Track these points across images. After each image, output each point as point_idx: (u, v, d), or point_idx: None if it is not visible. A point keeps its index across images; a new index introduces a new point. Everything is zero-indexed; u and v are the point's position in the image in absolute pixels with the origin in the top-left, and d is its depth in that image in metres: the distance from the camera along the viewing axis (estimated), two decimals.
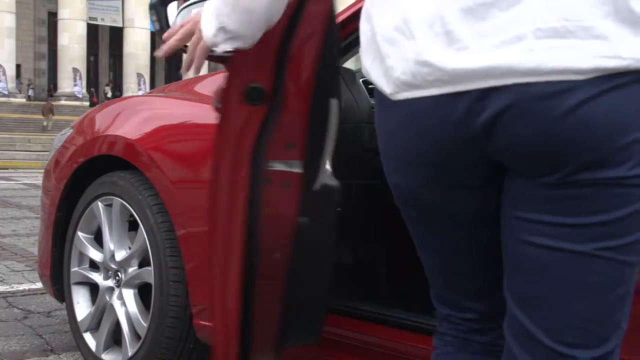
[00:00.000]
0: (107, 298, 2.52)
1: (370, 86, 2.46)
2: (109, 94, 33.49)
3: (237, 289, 1.61)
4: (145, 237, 2.36)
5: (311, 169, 1.66)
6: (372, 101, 2.41)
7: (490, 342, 1.26)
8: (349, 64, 2.57)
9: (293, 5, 1.50)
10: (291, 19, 1.51)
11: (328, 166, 1.79)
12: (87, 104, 31.32)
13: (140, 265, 2.44)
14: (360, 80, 2.45)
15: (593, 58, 0.92)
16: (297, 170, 1.60)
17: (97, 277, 2.58)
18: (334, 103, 1.71)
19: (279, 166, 1.59)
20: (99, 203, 2.56)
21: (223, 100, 1.56)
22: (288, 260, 1.69)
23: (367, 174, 2.26)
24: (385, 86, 1.10)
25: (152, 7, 1.66)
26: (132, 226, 2.50)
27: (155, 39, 36.22)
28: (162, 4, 1.62)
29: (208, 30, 1.37)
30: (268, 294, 1.73)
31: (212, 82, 2.58)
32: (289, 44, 1.53)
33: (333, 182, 1.74)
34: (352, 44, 2.27)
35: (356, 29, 2.22)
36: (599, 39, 0.92)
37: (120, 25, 34.65)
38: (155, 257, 2.32)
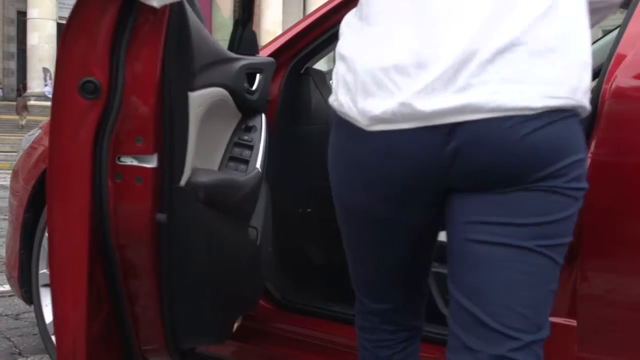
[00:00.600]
0: None
1: None
2: None
3: (84, 285, 1.59)
4: None
5: (171, 164, 1.63)
6: None
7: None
8: (320, 65, 2.58)
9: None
10: (121, 11, 1.51)
11: (209, 165, 1.77)
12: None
13: None
14: (331, 81, 2.45)
15: (542, 98, 1.13)
16: (148, 165, 1.58)
17: None
18: (195, 97, 1.70)
19: (129, 160, 1.58)
20: None
21: (57, 95, 1.54)
22: (154, 258, 1.67)
23: None
24: (360, 118, 1.21)
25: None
26: None
27: None
28: None
29: None
30: (140, 293, 1.71)
31: None
32: (123, 36, 1.52)
33: (201, 179, 1.71)
34: (320, 46, 2.29)
35: (324, 32, 2.25)
36: (547, 84, 1.14)
37: None
38: None
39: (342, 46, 1.30)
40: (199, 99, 1.75)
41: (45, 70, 32.37)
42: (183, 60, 1.65)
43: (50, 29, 32.82)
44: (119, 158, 1.59)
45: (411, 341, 1.52)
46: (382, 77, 1.18)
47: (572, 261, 1.59)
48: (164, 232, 1.65)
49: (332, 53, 2.58)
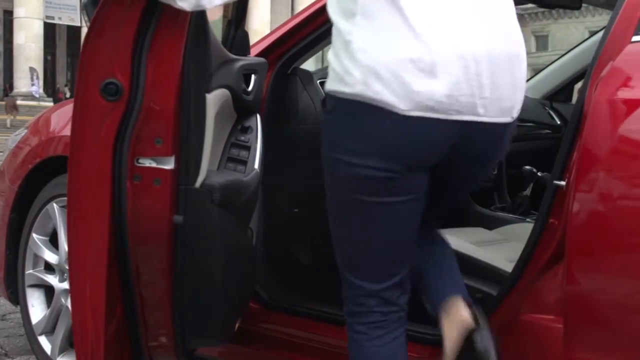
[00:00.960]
0: (63, 301, 2.49)
1: None
2: (68, 95, 33.09)
3: (103, 290, 1.60)
4: None
5: (187, 166, 1.64)
6: None
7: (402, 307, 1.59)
8: (308, 65, 2.58)
9: (145, 1, 1.51)
10: (144, 13, 1.52)
11: (209, 163, 1.76)
12: (45, 103, 30.91)
13: None
14: (318, 81, 2.46)
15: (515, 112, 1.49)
16: (167, 166, 1.59)
17: (52, 280, 2.55)
18: (210, 98, 1.71)
19: (147, 162, 1.59)
20: (54, 204, 2.53)
21: (79, 96, 1.56)
22: (170, 259, 1.68)
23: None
24: (399, 104, 1.37)
25: (84, 7, 1.66)
26: None
27: None
28: (94, 3, 1.62)
29: None
30: (153, 294, 1.72)
31: None
32: (145, 39, 1.53)
33: (215, 180, 1.72)
34: (308, 46, 2.29)
35: (312, 32, 2.25)
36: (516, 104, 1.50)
37: (79, 24, 34.21)
38: None
39: (362, 39, 1.39)
40: (213, 99, 1.76)
41: (32, 69, 32.23)
42: (202, 62, 1.67)
43: (37, 29, 32.67)
44: (137, 160, 1.59)
45: (400, 322, 1.58)
46: (428, 67, 1.37)
47: (558, 261, 1.61)
48: (179, 234, 1.66)
49: (320, 53, 2.59)
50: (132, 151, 1.57)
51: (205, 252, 1.75)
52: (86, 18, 1.65)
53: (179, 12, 1.53)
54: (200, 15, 1.62)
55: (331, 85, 1.46)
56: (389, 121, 1.39)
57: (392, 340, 1.56)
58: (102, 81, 1.52)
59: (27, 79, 32.53)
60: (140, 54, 1.54)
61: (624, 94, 1.54)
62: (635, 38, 1.54)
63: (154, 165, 1.59)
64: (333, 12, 1.48)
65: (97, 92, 1.53)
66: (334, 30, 1.47)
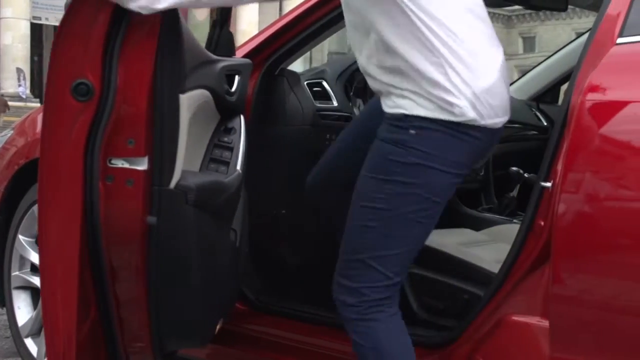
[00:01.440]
0: None
1: (314, 89, 2.47)
2: None
3: (75, 290, 1.59)
4: None
5: (161, 166, 1.63)
6: (317, 104, 2.42)
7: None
8: (295, 67, 2.58)
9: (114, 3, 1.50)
10: (115, 13, 1.51)
11: (191, 166, 1.77)
12: (32, 104, 30.74)
13: None
14: (305, 82, 2.46)
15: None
16: (139, 167, 1.58)
17: (38, 282, 2.54)
18: (185, 99, 1.70)
19: (120, 163, 1.58)
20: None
21: (49, 96, 1.55)
22: (144, 260, 1.67)
23: None
24: (490, 120, 1.63)
25: (66, 6, 1.65)
26: None
27: None
28: None
29: None
30: (128, 295, 1.71)
31: None
32: (117, 39, 1.53)
33: (191, 180, 1.71)
34: (295, 47, 2.29)
35: (299, 33, 2.25)
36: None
37: None
38: None
39: (459, 71, 1.59)
40: (188, 100, 1.75)
41: (18, 70, 32.05)
42: (175, 62, 1.66)
43: (24, 29, 32.52)
44: (110, 160, 1.59)
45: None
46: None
47: (544, 262, 1.61)
48: (153, 235, 1.65)
49: (307, 54, 2.59)
50: (104, 152, 1.56)
51: (181, 252, 1.74)
52: None
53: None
54: (173, 16, 1.62)
55: (432, 114, 1.60)
56: (483, 135, 1.64)
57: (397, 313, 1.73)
58: (73, 81, 1.51)
59: (14, 79, 32.36)
60: (112, 54, 1.53)
61: (609, 95, 1.55)
62: (619, 40, 1.55)
63: (126, 166, 1.58)
64: (402, 42, 1.60)
65: (67, 92, 1.52)
66: (402, 61, 1.60)
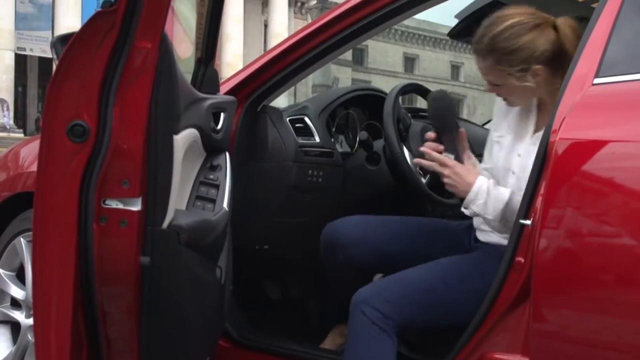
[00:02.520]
0: (30, 337, 2.45)
1: (297, 125, 2.49)
2: None
3: (68, 333, 1.59)
4: None
5: (155, 207, 1.63)
6: (299, 140, 2.44)
7: None
8: (280, 99, 2.59)
9: (112, 42, 1.52)
10: (112, 55, 1.53)
11: (177, 204, 1.77)
12: (15, 135, 30.61)
13: None
14: (287, 119, 2.47)
15: None
16: (133, 208, 1.59)
17: (18, 316, 2.51)
18: (178, 139, 1.72)
19: (114, 204, 1.59)
20: (22, 239, 2.51)
21: (45, 137, 1.55)
22: (136, 300, 1.67)
23: (294, 212, 2.28)
24: None
25: (53, 45, 1.66)
26: None
27: None
28: (63, 42, 1.62)
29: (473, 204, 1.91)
30: (119, 336, 1.70)
31: None
32: (113, 80, 1.54)
33: (183, 220, 1.72)
34: (277, 84, 2.31)
35: (282, 69, 2.27)
36: None
37: (50, 56, 34.01)
38: None
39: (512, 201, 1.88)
40: (182, 140, 1.76)
41: (2, 101, 31.96)
42: (170, 104, 1.67)
43: (9, 60, 32.50)
44: (104, 201, 1.58)
45: None
46: None
47: (525, 299, 1.62)
48: (146, 275, 1.65)
49: (290, 91, 2.60)
50: (99, 192, 1.56)
51: (173, 293, 1.74)
52: (55, 56, 1.65)
53: (147, 54, 1.54)
54: (168, 56, 1.63)
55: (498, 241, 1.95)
56: None
57: None
58: (69, 123, 1.52)
59: None
60: (108, 96, 1.54)
61: (586, 134, 1.57)
62: (596, 80, 1.58)
63: (120, 206, 1.58)
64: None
65: (63, 133, 1.52)
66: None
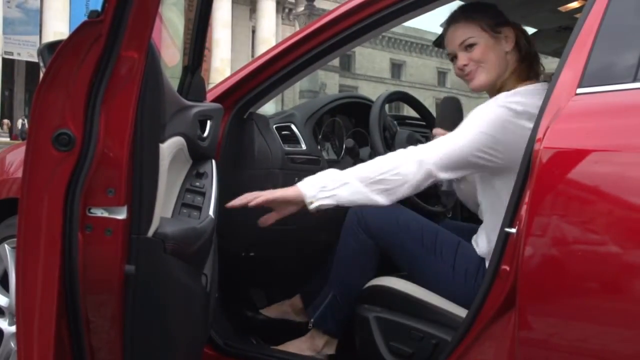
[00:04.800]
0: (12, 345, 2.44)
1: (283, 132, 2.49)
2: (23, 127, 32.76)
3: (52, 343, 1.57)
4: None
5: (140, 215, 1.63)
6: (286, 147, 2.44)
7: None
8: (267, 105, 2.59)
9: (99, 52, 1.53)
10: (98, 64, 1.53)
11: (162, 212, 1.77)
12: (1, 139, 30.48)
13: None
14: (274, 126, 2.47)
15: None
16: (118, 216, 1.58)
17: (1, 323, 2.50)
18: (165, 148, 1.72)
19: (99, 212, 1.58)
20: (6, 245, 2.49)
21: (30, 145, 1.55)
22: (121, 309, 1.66)
23: (281, 219, 2.27)
24: None
25: (40, 53, 1.65)
26: None
27: None
28: (50, 50, 1.61)
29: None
30: (103, 345, 1.69)
31: None
32: (99, 90, 1.54)
33: (169, 228, 1.72)
34: (264, 91, 2.31)
35: (269, 77, 2.27)
36: None
37: (37, 60, 33.97)
38: None
39: None
40: (168, 149, 1.76)
41: None
42: (155, 112, 1.67)
43: None
44: (89, 209, 1.58)
45: None
46: None
47: (511, 307, 1.63)
48: (130, 283, 1.64)
49: (278, 96, 2.61)
50: (84, 201, 1.56)
51: (158, 301, 1.73)
52: (42, 63, 1.64)
53: (133, 63, 1.54)
54: (154, 66, 1.63)
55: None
56: None
57: None
58: (54, 131, 1.52)
59: None
60: (94, 105, 1.54)
61: (569, 144, 1.57)
62: (579, 90, 1.59)
63: (105, 215, 1.58)
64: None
65: (48, 142, 1.52)
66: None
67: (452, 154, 1.93)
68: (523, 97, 1.96)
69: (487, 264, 2.03)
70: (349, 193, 1.94)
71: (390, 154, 2.00)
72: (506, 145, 1.92)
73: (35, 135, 1.53)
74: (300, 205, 1.98)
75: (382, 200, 1.94)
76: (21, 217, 1.57)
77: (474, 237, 2.17)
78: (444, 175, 1.94)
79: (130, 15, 1.53)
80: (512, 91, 2.01)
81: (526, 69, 2.11)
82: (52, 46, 1.62)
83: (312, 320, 2.28)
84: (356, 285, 2.20)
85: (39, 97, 1.53)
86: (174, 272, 1.75)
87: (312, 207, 1.96)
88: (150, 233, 1.66)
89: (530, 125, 1.65)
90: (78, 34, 1.53)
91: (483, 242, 2.10)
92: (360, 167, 1.99)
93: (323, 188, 1.96)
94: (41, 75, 1.60)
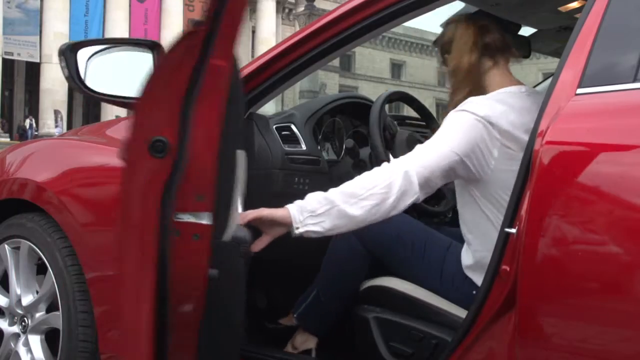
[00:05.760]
0: (12, 345, 2.44)
1: (283, 133, 2.49)
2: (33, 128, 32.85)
3: (150, 345, 1.60)
4: (54, 280, 2.31)
5: (220, 220, 1.66)
6: (286, 148, 2.44)
7: None
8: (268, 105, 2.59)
9: (194, 60, 1.55)
10: (193, 74, 1.55)
11: (237, 217, 1.81)
12: (1, 139, 30.49)
13: (48, 310, 2.38)
14: (274, 126, 2.47)
15: None
16: (206, 221, 1.61)
17: (1, 324, 2.50)
18: (240, 154, 1.74)
19: (187, 217, 1.60)
20: (6, 246, 2.50)
21: (127, 153, 1.58)
22: (200, 312, 1.69)
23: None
24: None
25: (62, 53, 1.66)
26: (40, 270, 2.44)
27: None
28: (73, 50, 1.62)
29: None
30: (181, 348, 1.72)
31: (123, 127, 2.56)
32: (192, 97, 1.56)
33: (242, 233, 1.75)
34: (264, 91, 2.31)
35: (269, 77, 2.27)
36: None
37: (38, 60, 33.96)
38: (63, 301, 2.27)
39: None
40: (242, 154, 1.81)
41: (57, 112, 32.30)
42: (238, 119, 1.74)
43: None
44: (176, 215, 1.60)
45: None
46: None
47: (511, 308, 1.63)
48: (211, 287, 1.67)
49: (278, 97, 2.61)
50: (174, 207, 1.59)
51: (228, 303, 1.77)
52: (63, 63, 1.65)
53: (221, 70, 1.57)
54: (237, 72, 1.66)
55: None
56: None
57: None
58: (151, 138, 1.54)
59: None
60: (186, 114, 1.56)
61: (569, 143, 1.58)
62: (579, 90, 1.59)
63: (192, 220, 1.60)
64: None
65: (145, 149, 1.54)
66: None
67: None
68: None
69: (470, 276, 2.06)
70: (335, 218, 1.89)
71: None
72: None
73: (134, 142, 1.56)
74: (288, 228, 1.92)
75: (369, 218, 1.91)
76: (121, 220, 1.60)
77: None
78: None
79: (222, 22, 1.56)
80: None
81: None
82: (75, 46, 1.64)
83: (294, 316, 2.31)
84: (343, 287, 2.22)
85: (138, 107, 1.55)
86: (242, 275, 1.80)
87: (297, 232, 1.91)
88: (228, 237, 1.69)
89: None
90: (180, 43, 1.57)
91: (468, 257, 2.10)
92: (346, 185, 1.93)
93: (311, 213, 1.90)
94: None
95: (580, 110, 1.59)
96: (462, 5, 2.24)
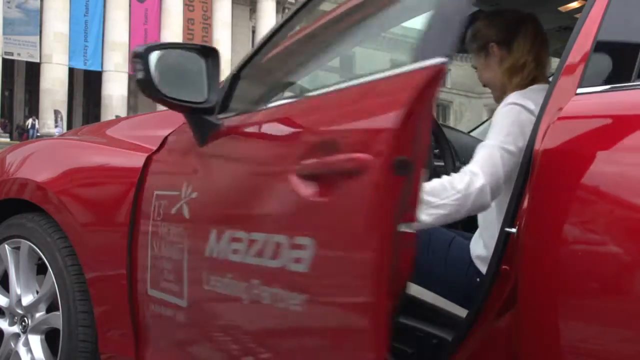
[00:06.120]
0: (12, 345, 2.44)
1: None
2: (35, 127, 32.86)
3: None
4: (54, 280, 2.31)
5: None
6: None
7: None
8: None
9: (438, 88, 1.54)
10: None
11: None
12: (2, 139, 30.48)
13: (48, 310, 2.39)
14: None
15: None
16: (412, 230, 1.61)
17: (1, 323, 2.51)
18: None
19: (404, 228, 1.60)
20: (6, 246, 2.50)
21: (371, 172, 1.57)
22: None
23: None
24: None
25: (138, 55, 1.64)
26: (41, 270, 2.45)
27: (74, 76, 35.59)
28: (147, 52, 1.61)
29: None
30: None
31: (123, 127, 2.57)
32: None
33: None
34: None
35: None
36: None
37: (38, 60, 33.96)
38: (63, 301, 2.28)
39: None
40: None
41: (57, 112, 32.28)
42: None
43: None
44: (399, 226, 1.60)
45: None
46: None
47: (511, 307, 1.63)
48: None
49: None
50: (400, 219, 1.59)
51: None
52: (140, 66, 1.63)
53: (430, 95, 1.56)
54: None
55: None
56: None
57: None
58: (396, 157, 1.54)
59: None
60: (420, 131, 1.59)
61: (570, 143, 1.58)
62: (579, 90, 1.59)
63: (408, 230, 1.60)
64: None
65: (390, 168, 1.54)
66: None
67: None
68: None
69: (478, 265, 2.05)
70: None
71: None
72: None
73: (380, 162, 1.56)
74: None
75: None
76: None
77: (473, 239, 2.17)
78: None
79: None
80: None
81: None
82: (148, 50, 1.65)
83: None
84: None
85: (401, 124, 1.54)
86: None
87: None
88: None
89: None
90: (434, 75, 1.54)
91: (479, 247, 2.10)
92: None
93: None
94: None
95: (580, 110, 1.59)
96: None
